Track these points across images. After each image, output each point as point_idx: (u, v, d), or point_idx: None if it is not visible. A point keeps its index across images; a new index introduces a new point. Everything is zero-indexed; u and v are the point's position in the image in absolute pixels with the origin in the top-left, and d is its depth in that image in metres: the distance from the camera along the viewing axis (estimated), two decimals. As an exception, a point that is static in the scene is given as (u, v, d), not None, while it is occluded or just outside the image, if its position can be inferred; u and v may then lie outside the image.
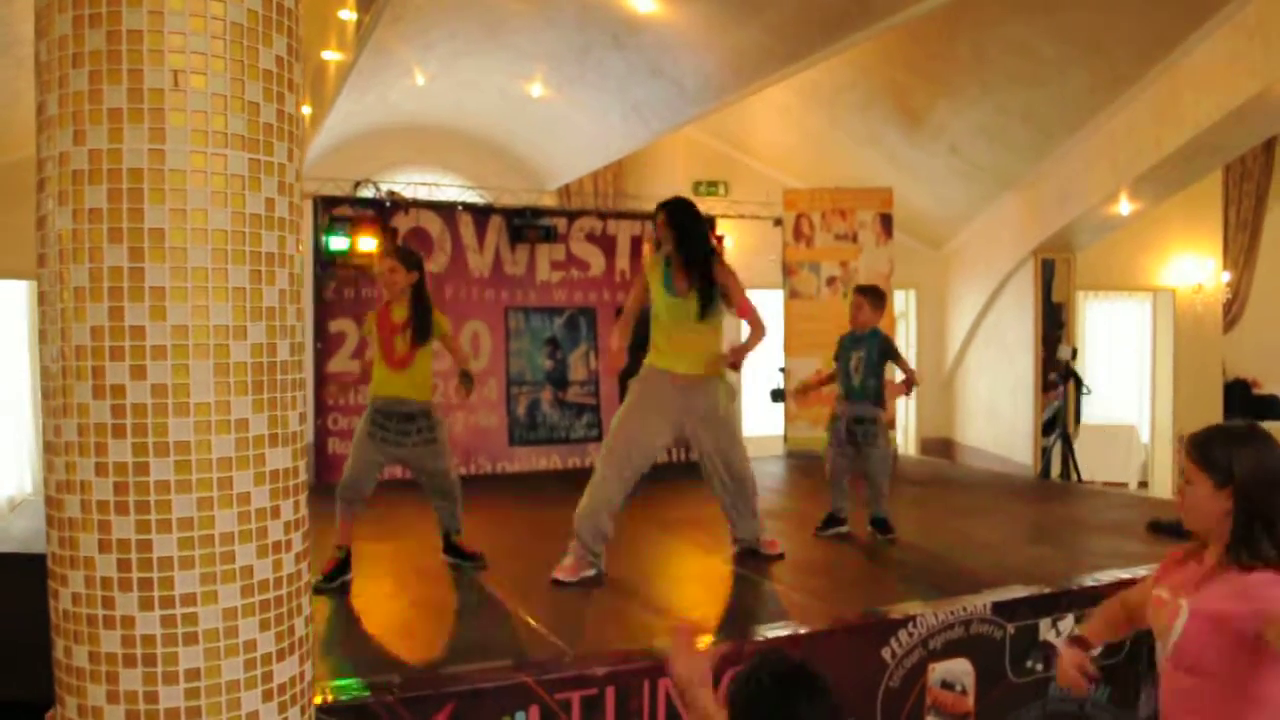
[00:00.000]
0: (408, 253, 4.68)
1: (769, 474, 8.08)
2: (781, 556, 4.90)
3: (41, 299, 1.78)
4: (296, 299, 1.84)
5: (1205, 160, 6.63)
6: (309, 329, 7.54)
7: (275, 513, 1.76)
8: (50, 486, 1.83)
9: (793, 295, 8.99)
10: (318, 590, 4.09)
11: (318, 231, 7.58)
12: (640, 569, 4.85)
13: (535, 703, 3.22)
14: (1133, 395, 10.88)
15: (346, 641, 3.75)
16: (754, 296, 10.22)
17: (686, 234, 4.63)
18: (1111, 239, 9.53)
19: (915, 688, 3.89)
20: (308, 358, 7.42)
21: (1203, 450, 2.16)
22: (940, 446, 10.66)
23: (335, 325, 7.52)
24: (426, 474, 4.59)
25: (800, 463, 8.48)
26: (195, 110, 1.71)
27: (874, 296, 5.51)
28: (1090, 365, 10.65)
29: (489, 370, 8.04)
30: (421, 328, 4.47)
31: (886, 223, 8.84)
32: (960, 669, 4.03)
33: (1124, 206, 7.39)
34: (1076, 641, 2.45)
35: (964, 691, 4.04)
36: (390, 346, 4.46)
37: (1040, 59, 6.68)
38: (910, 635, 3.90)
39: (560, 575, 4.44)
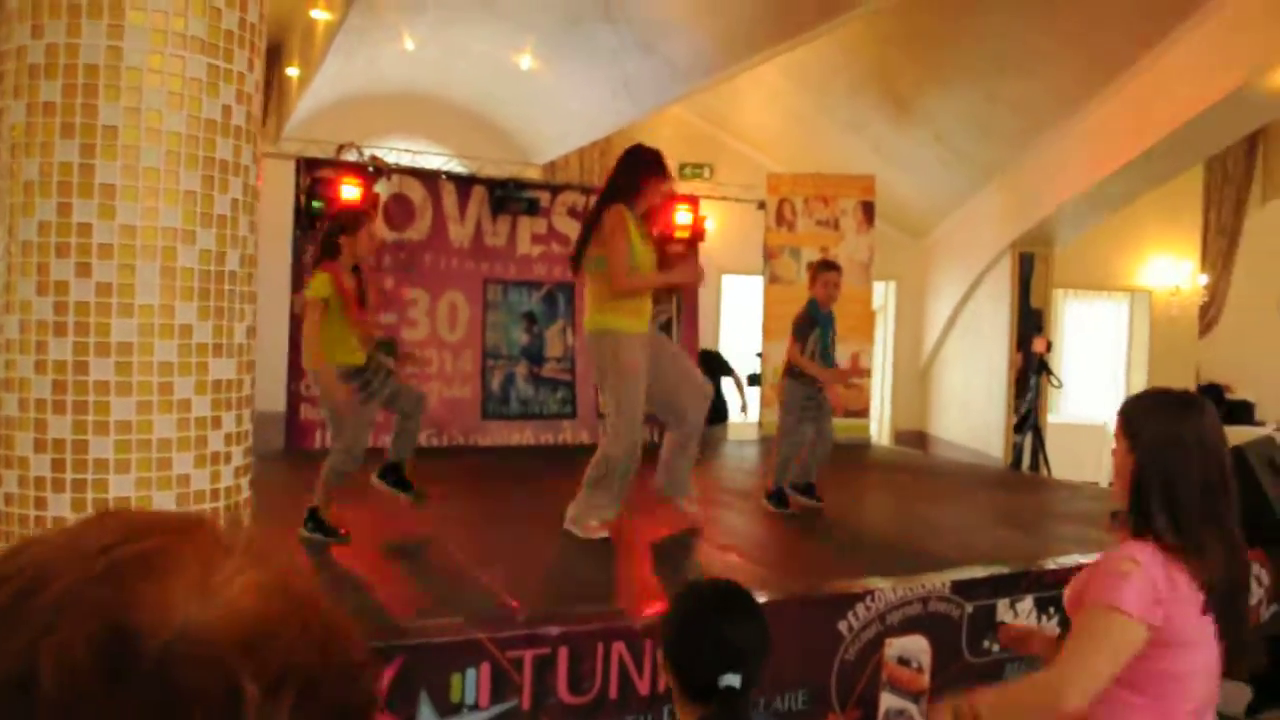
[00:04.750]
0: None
1: (744, 457, 8.08)
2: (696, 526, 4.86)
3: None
4: (250, 210, 1.80)
5: (1184, 156, 6.66)
6: (285, 291, 7.46)
7: (216, 423, 1.72)
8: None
9: (773, 280, 8.97)
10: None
11: (299, 193, 7.51)
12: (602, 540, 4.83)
13: (486, 660, 3.19)
14: (1106, 395, 10.95)
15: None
16: (736, 282, 10.33)
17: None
18: (1089, 238, 9.56)
19: (871, 662, 3.89)
20: (283, 320, 7.39)
21: (1124, 410, 2.08)
22: (914, 439, 10.68)
23: (312, 288, 7.44)
24: (409, 401, 4.61)
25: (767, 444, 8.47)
26: (155, 10, 1.67)
27: (833, 270, 5.54)
28: (1066, 364, 10.69)
29: (464, 342, 7.98)
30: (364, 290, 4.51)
31: (868, 210, 8.84)
32: (917, 646, 4.03)
33: (1104, 200, 7.41)
34: None
35: (920, 669, 4.04)
36: (356, 309, 4.41)
37: (1028, 49, 6.70)
38: (868, 609, 3.90)
39: (593, 533, 4.47)
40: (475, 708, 3.20)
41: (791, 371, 5.39)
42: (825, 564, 4.60)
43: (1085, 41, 6.34)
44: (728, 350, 9.63)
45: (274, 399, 7.42)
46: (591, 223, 4.49)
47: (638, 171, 4.50)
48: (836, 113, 8.97)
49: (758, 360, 9.03)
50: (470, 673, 3.21)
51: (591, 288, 4.53)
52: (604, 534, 4.49)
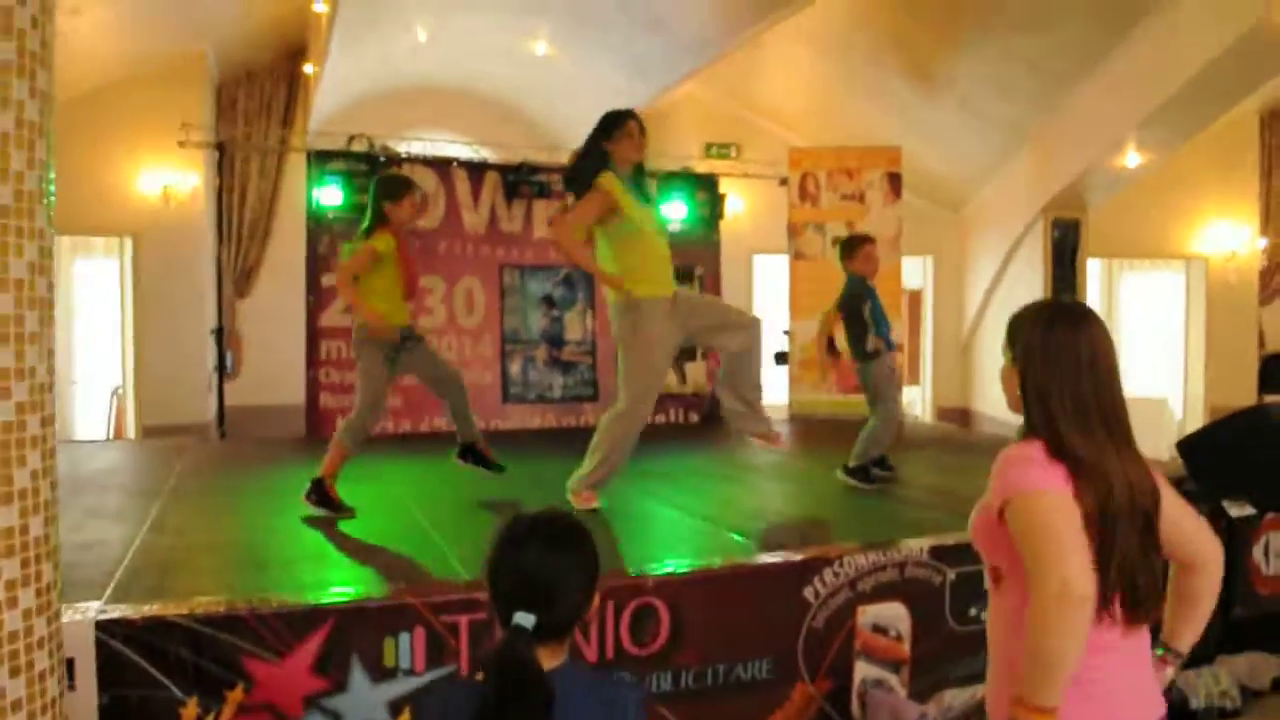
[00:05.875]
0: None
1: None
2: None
3: None
4: (24, 145, 1.72)
5: (1210, 104, 6.29)
6: (301, 284, 7.58)
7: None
8: None
9: (797, 256, 8.79)
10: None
11: (311, 185, 7.61)
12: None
13: (421, 624, 3.14)
14: (1167, 368, 10.47)
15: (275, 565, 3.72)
16: (763, 261, 10.12)
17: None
18: (1139, 205, 9.16)
19: (842, 630, 3.73)
20: (299, 312, 7.50)
21: (1009, 323, 1.98)
22: (957, 416, 10.35)
23: (327, 279, 7.52)
24: (444, 383, 4.75)
25: (804, 427, 8.31)
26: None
27: (864, 245, 5.48)
28: (1125, 338, 10.27)
29: (483, 327, 8.00)
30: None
31: (895, 182, 8.59)
32: (893, 613, 3.86)
33: (1131, 158, 7.05)
34: None
35: (899, 637, 3.87)
36: (411, 277, 4.59)
37: (1043, 3, 6.42)
38: (836, 575, 3.74)
39: (586, 504, 4.45)
40: (411, 672, 3.16)
41: (864, 354, 5.32)
42: (809, 531, 4.47)
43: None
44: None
45: (294, 391, 7.54)
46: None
47: (597, 140, 4.43)
48: (861, 82, 8.73)
49: (785, 338, 8.84)
50: (404, 636, 3.17)
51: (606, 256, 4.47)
52: (596, 505, 4.45)
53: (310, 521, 4.34)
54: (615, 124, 4.41)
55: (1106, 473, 1.79)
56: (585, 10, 7.75)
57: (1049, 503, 1.74)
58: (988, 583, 1.99)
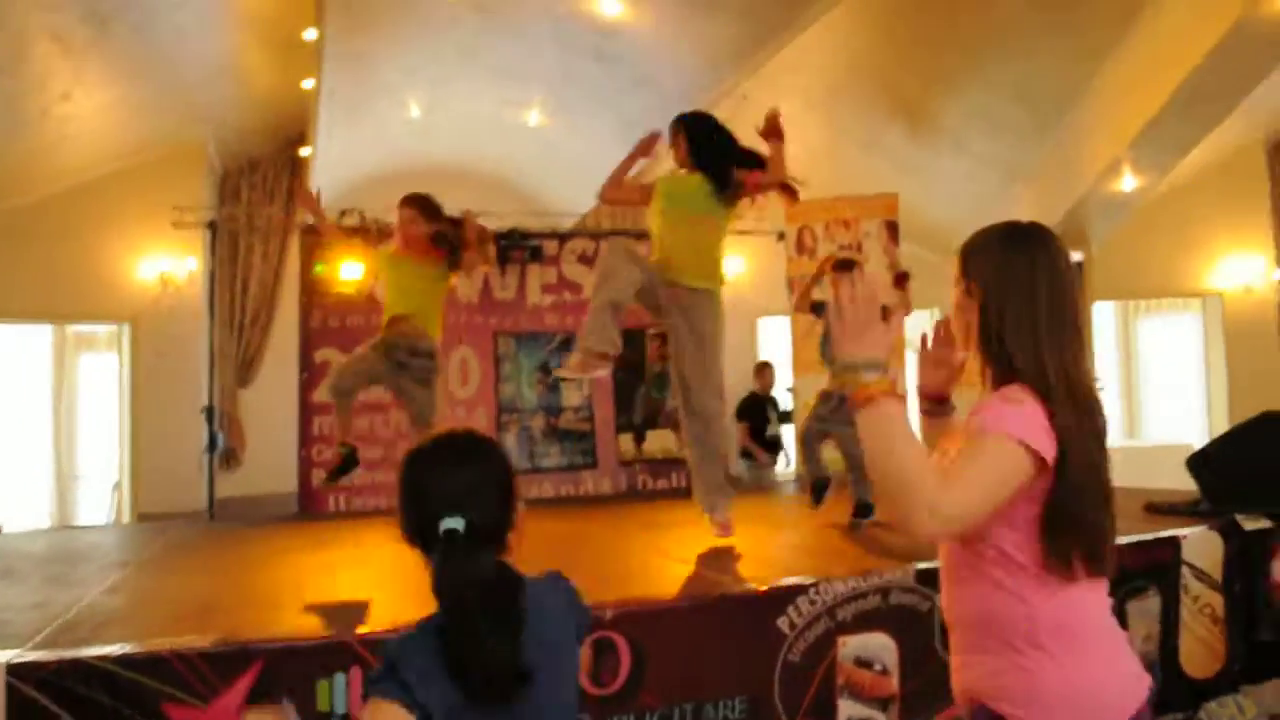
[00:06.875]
0: (425, 200, 4.88)
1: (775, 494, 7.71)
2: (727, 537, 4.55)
3: None
4: None
5: (1202, 114, 6.15)
6: (294, 363, 7.55)
7: None
8: None
9: (798, 309, 8.64)
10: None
11: (305, 259, 7.65)
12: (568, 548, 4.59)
13: (357, 664, 2.96)
14: (1189, 412, 10.09)
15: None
16: (766, 323, 9.95)
17: (702, 141, 4.46)
18: (1150, 242, 8.98)
19: (822, 664, 3.49)
20: (292, 392, 7.45)
21: (962, 253, 1.91)
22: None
23: (320, 354, 7.50)
24: (419, 412, 4.84)
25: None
26: None
27: (852, 269, 5.45)
28: (1142, 384, 9.98)
29: (477, 399, 7.89)
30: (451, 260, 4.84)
31: (893, 230, 8.48)
32: (878, 644, 3.61)
33: (1128, 181, 6.89)
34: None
35: (885, 671, 3.62)
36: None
37: (1022, 29, 6.39)
38: (812, 604, 3.52)
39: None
40: (346, 717, 2.96)
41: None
42: (782, 564, 4.24)
43: (1079, 9, 6.02)
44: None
45: (285, 479, 7.42)
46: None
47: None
48: (848, 132, 8.71)
49: (789, 395, 8.65)
50: (339, 678, 2.98)
51: (693, 239, 4.39)
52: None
53: (275, 577, 4.20)
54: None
55: (1081, 401, 1.73)
56: (574, 74, 7.84)
57: (1008, 450, 1.65)
58: (945, 546, 1.87)
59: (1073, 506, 1.68)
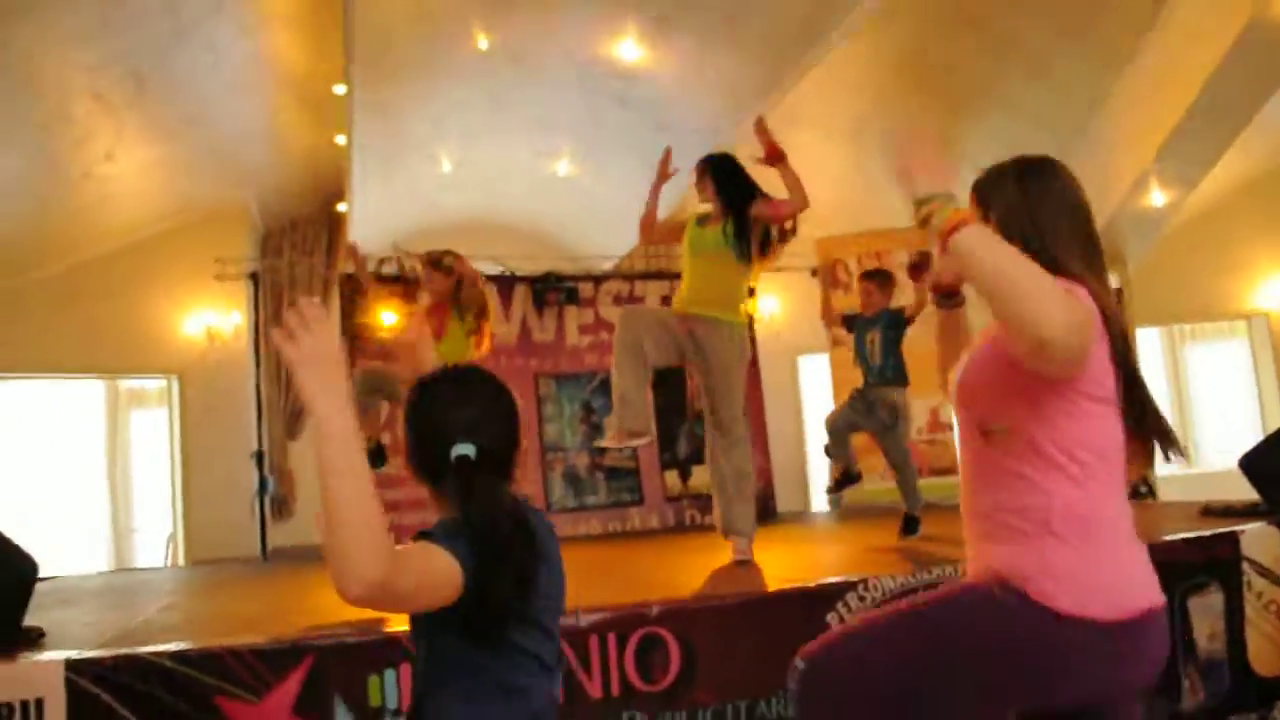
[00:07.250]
0: (438, 261, 5.13)
1: (820, 525, 7.62)
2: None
3: None
4: None
5: (1226, 122, 6.11)
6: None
7: None
8: None
9: (835, 344, 8.64)
10: None
11: (346, 309, 7.80)
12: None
13: (408, 660, 2.97)
14: (1242, 438, 9.86)
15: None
16: (806, 361, 9.91)
17: (726, 181, 4.53)
18: (1193, 265, 8.86)
19: (876, 659, 3.43)
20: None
21: (975, 188, 1.96)
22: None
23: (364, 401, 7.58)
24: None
25: (853, 513, 7.98)
26: None
27: (882, 279, 5.62)
28: (1194, 414, 9.80)
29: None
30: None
31: (925, 259, 8.47)
32: (931, 640, 3.56)
33: (1157, 196, 6.85)
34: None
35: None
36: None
37: (1036, 49, 6.45)
38: (862, 600, 3.48)
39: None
40: (397, 712, 2.97)
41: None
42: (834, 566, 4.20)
43: (1090, 29, 6.07)
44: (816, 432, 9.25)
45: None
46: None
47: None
48: (873, 164, 8.77)
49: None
50: (389, 674, 2.99)
51: (708, 272, 4.47)
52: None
53: (329, 595, 4.22)
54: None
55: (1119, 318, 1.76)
56: (601, 121, 7.99)
57: (1078, 296, 1.67)
58: (966, 440, 1.90)
59: (1140, 394, 1.74)
